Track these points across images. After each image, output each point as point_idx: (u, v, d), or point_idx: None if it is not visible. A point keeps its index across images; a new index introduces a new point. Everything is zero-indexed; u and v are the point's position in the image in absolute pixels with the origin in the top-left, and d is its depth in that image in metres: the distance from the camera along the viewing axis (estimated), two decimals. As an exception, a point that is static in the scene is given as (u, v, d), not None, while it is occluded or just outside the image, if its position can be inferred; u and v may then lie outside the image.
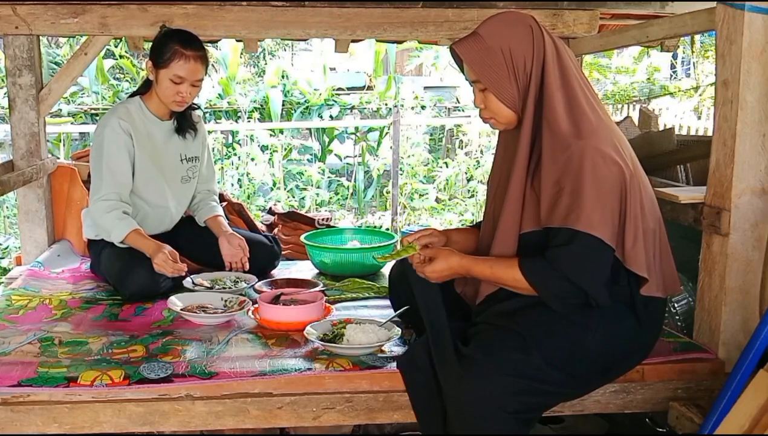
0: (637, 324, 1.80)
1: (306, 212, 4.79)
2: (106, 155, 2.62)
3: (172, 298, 2.38)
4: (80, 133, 7.63)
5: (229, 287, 2.60)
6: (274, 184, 7.27)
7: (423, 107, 8.76)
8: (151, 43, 2.70)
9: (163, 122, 2.75)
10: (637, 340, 1.84)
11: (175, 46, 2.55)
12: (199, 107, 2.93)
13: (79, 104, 7.92)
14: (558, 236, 1.71)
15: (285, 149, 7.74)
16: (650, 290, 1.78)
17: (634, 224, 1.72)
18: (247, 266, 2.72)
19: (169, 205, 2.81)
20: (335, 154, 8.57)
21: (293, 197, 7.24)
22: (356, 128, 8.41)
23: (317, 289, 2.55)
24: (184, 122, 2.79)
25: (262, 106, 8.34)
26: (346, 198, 7.63)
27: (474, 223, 2.26)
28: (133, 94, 2.78)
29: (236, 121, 8.04)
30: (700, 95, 8.50)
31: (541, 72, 1.78)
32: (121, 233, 2.54)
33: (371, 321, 2.18)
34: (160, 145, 2.74)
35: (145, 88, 2.74)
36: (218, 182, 3.23)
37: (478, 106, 1.88)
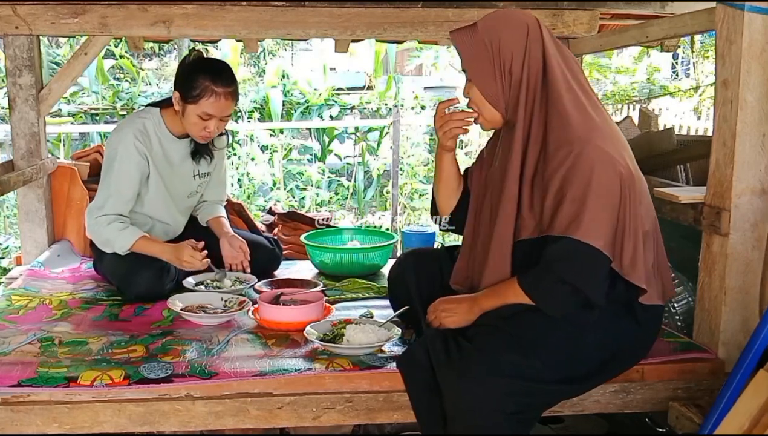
0: (635, 324, 1.80)
1: (306, 212, 4.79)
2: (116, 173, 2.54)
3: (172, 298, 2.38)
4: (80, 133, 7.62)
5: (229, 287, 2.60)
6: (274, 184, 7.26)
7: (423, 107, 8.75)
8: (176, 71, 2.57)
9: (180, 140, 2.65)
10: (635, 340, 1.85)
11: (206, 81, 2.42)
12: (227, 133, 2.83)
13: (79, 104, 7.91)
14: (557, 242, 1.70)
15: (285, 149, 7.73)
16: (650, 299, 1.78)
17: (633, 235, 1.71)
18: (248, 269, 2.71)
19: (172, 220, 2.77)
20: (335, 154, 8.55)
21: (293, 197, 7.24)
22: (356, 128, 8.40)
23: (317, 289, 2.55)
24: (202, 148, 2.70)
25: (262, 106, 8.33)
26: (346, 198, 7.63)
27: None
28: (152, 104, 2.67)
29: (236, 121, 8.02)
30: (700, 95, 8.49)
31: (542, 75, 1.77)
32: (126, 242, 2.50)
33: (371, 321, 2.18)
34: (176, 164, 2.68)
35: (167, 103, 2.61)
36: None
37: (466, 97, 1.88)
